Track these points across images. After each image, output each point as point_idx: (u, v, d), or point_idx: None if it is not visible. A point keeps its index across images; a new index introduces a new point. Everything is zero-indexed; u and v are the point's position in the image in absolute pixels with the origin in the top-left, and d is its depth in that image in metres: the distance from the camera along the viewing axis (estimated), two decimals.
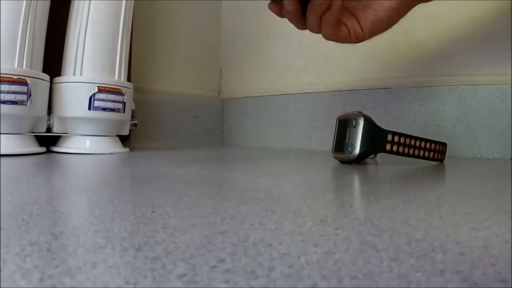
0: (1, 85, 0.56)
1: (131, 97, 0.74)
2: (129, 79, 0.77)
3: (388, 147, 0.50)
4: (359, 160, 0.50)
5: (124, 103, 0.70)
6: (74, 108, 0.66)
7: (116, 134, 0.73)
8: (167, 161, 0.56)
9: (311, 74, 0.95)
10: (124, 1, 0.70)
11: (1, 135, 0.57)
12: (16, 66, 0.58)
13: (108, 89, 0.67)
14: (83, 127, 0.68)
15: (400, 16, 0.44)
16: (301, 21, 0.41)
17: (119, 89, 0.69)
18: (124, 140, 0.76)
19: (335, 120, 0.57)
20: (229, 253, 0.15)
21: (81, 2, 0.67)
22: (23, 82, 0.58)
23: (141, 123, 0.87)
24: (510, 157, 0.66)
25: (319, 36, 0.43)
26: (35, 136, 0.65)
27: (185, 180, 0.35)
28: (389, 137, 0.51)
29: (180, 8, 1.08)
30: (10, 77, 0.57)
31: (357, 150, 0.49)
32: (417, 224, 0.20)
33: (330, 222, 0.20)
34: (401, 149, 0.51)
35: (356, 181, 0.38)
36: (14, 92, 0.57)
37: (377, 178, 0.40)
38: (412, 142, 0.53)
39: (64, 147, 0.67)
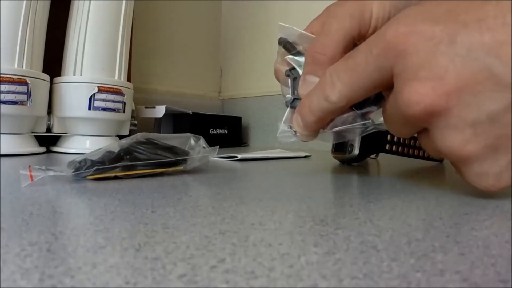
0: (1, 85, 0.56)
1: (131, 97, 0.74)
2: (129, 79, 0.77)
3: (387, 147, 0.50)
4: (359, 160, 0.50)
5: (124, 103, 0.70)
6: (74, 108, 0.66)
7: (116, 134, 0.73)
8: None
9: None
10: (124, 1, 0.70)
11: (1, 135, 0.57)
12: (16, 66, 0.58)
13: (108, 89, 0.67)
14: (83, 127, 0.68)
15: None
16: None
17: (119, 89, 0.69)
18: None
19: None
20: (229, 253, 0.15)
21: (81, 2, 0.67)
22: (23, 82, 0.58)
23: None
24: None
25: None
26: (35, 136, 0.65)
27: (185, 180, 0.35)
28: (389, 137, 0.51)
29: (180, 8, 1.08)
30: (10, 77, 0.57)
31: (356, 150, 0.49)
32: (417, 224, 0.20)
33: (330, 222, 0.20)
34: (400, 149, 0.51)
35: (356, 181, 0.38)
36: (14, 92, 0.57)
37: (377, 178, 0.40)
38: (412, 142, 0.53)
39: (64, 147, 0.67)
